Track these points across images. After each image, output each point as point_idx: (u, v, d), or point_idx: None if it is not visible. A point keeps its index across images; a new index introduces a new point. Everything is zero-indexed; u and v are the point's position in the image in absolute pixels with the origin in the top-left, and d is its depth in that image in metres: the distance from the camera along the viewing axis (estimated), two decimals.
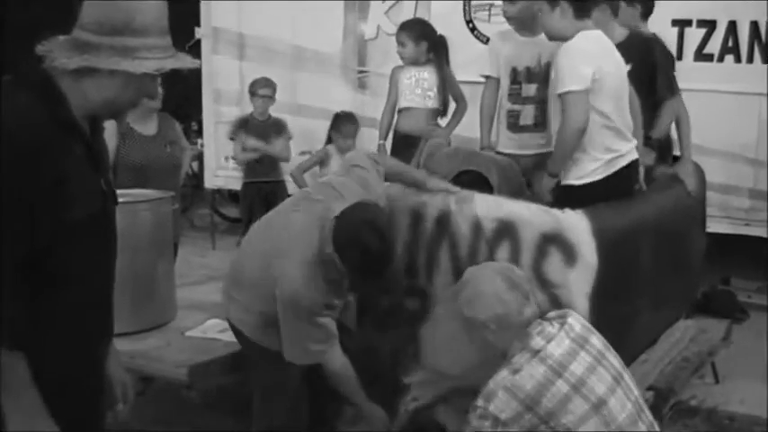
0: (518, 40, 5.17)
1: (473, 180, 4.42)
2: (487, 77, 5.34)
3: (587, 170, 4.33)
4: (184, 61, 2.50)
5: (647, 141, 4.76)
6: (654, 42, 5.08)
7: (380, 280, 3.60)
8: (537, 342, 3.08)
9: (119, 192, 4.42)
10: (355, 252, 3.39)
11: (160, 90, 5.46)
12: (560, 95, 4.23)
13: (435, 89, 6.27)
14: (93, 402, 2.65)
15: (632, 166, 4.42)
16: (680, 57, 6.65)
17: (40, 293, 2.35)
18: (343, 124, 7.01)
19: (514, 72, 5.16)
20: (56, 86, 2.36)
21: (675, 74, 5.21)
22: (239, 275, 3.76)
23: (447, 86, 6.31)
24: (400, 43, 6.26)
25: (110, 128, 5.54)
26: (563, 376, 3.00)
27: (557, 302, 3.56)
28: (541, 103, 4.98)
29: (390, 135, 6.46)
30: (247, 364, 3.88)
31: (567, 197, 4.27)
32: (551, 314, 3.26)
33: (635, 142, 4.49)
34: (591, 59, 4.24)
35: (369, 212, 3.49)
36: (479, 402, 3.04)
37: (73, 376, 2.49)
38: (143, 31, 2.40)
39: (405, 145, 6.12)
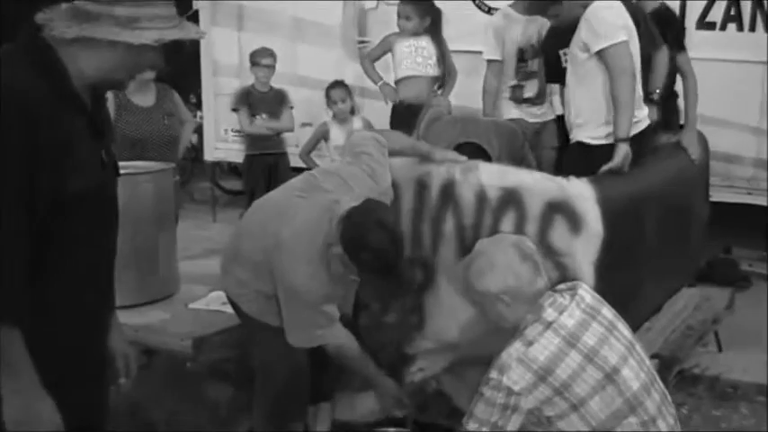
0: (522, 19, 5.21)
1: (473, 151, 4.40)
2: (491, 61, 5.33)
3: (605, 132, 4.35)
4: (188, 31, 2.45)
5: (648, 98, 4.73)
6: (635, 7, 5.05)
7: (390, 276, 3.55)
8: (549, 314, 3.08)
9: (120, 164, 4.46)
10: (365, 254, 3.34)
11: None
12: (603, 50, 4.28)
13: (435, 58, 6.26)
14: (95, 376, 2.64)
15: (645, 132, 4.43)
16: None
17: (40, 266, 2.33)
18: (332, 90, 6.96)
19: (521, 51, 5.21)
20: (55, 56, 2.33)
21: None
22: (238, 252, 3.71)
23: (446, 56, 6.30)
24: (405, 17, 6.23)
25: (108, 98, 5.53)
26: (576, 347, 3.01)
27: (562, 271, 3.55)
28: (542, 76, 5.23)
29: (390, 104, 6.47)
30: (248, 338, 3.86)
31: (580, 155, 4.30)
32: (561, 286, 3.26)
33: (647, 110, 4.51)
34: (622, 17, 4.37)
35: (377, 213, 3.44)
36: (493, 374, 3.04)
37: (74, 349, 2.48)
38: (145, 0, 2.36)
39: (407, 114, 6.09)
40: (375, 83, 6.65)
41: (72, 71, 2.34)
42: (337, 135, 6.82)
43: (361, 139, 3.91)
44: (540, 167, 4.93)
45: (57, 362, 2.39)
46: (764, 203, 7.01)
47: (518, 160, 4.56)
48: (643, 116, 4.50)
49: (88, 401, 2.61)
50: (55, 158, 2.26)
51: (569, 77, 4.61)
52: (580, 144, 4.52)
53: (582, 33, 4.40)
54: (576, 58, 4.49)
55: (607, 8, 4.38)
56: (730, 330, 5.69)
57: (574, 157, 4.56)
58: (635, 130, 4.35)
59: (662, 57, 4.98)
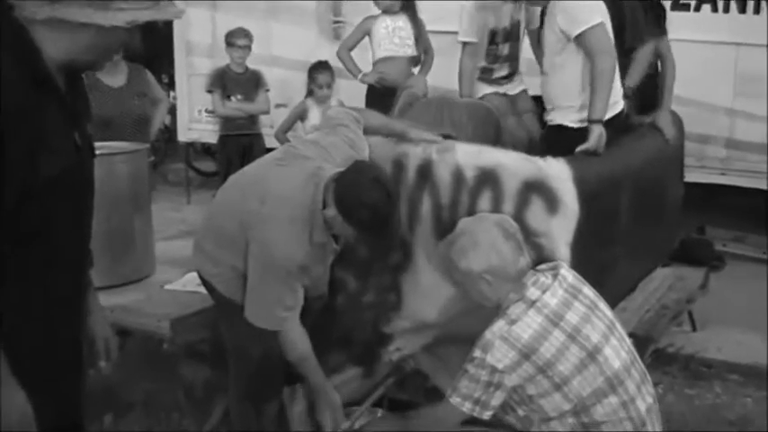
0: (496, 2, 5.19)
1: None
2: (465, 43, 5.33)
3: (579, 117, 4.38)
4: (165, 12, 2.37)
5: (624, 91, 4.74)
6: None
7: (385, 233, 3.49)
8: (532, 292, 3.11)
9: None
10: (364, 212, 3.26)
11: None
12: (581, 35, 4.30)
13: (412, 38, 6.26)
14: (71, 360, 2.60)
15: (620, 115, 4.45)
16: None
17: (13, 251, 2.27)
18: (319, 73, 6.90)
19: (492, 34, 5.20)
20: (28, 37, 2.25)
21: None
22: (213, 229, 3.64)
23: (423, 35, 6.30)
24: None
25: None
26: (559, 326, 3.04)
27: (539, 251, 3.55)
28: (512, 60, 5.28)
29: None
30: (220, 319, 3.78)
31: (557, 138, 4.31)
32: (543, 266, 3.29)
33: (622, 91, 4.55)
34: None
35: (372, 170, 3.41)
36: (476, 353, 3.07)
37: (49, 336, 2.44)
38: None
39: (383, 95, 6.09)
40: (355, 76, 6.62)
41: (44, 52, 2.27)
42: (315, 115, 6.79)
43: (337, 114, 3.89)
44: (525, 133, 4.97)
45: (30, 350, 2.35)
46: (738, 184, 7.06)
47: (493, 141, 4.57)
48: (619, 98, 4.51)
49: (65, 389, 2.56)
50: (25, 141, 2.20)
51: (544, 62, 4.61)
52: (558, 126, 4.53)
53: (558, 20, 4.40)
54: (551, 45, 4.50)
55: None
56: (705, 310, 5.76)
57: (551, 141, 4.56)
58: (611, 112, 4.35)
59: (645, 53, 5.01)
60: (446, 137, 3.97)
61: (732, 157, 7.09)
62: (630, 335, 4.26)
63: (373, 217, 3.28)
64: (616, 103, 4.44)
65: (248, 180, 3.63)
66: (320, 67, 6.94)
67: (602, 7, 4.41)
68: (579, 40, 4.33)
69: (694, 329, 5.74)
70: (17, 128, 2.17)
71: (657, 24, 5.19)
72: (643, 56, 5.01)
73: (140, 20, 2.30)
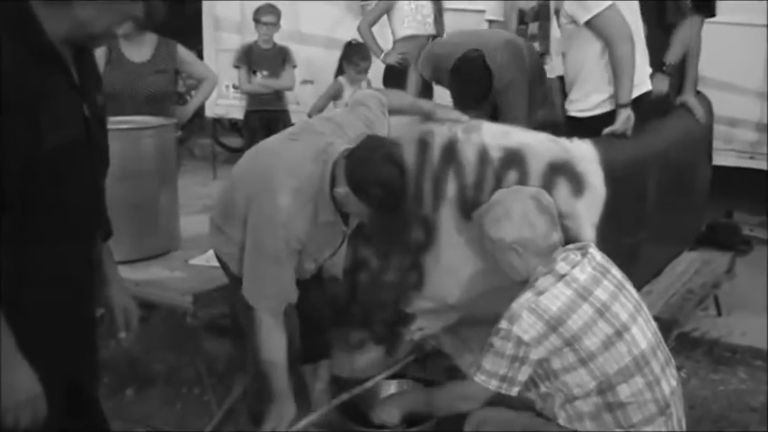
0: None
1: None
2: (492, 21, 5.29)
3: (595, 102, 4.30)
4: None
5: (662, 68, 4.68)
6: None
7: (398, 211, 3.40)
8: (562, 266, 3.11)
9: (120, 119, 4.44)
10: (376, 189, 3.19)
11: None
12: (592, 20, 4.17)
13: (432, 16, 6.24)
14: (84, 336, 2.61)
15: (643, 98, 4.37)
16: None
17: (24, 220, 2.28)
18: (361, 59, 6.84)
19: (521, 13, 5.16)
20: (29, 12, 2.24)
21: None
22: (225, 203, 3.57)
23: (442, 14, 6.29)
24: None
25: (98, 52, 5.45)
26: (588, 300, 3.03)
27: (565, 232, 3.51)
28: (543, 39, 5.26)
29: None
30: (234, 299, 3.67)
31: (573, 130, 4.25)
32: (571, 246, 3.27)
33: (649, 71, 4.46)
34: None
35: (384, 146, 3.34)
36: (503, 324, 3.05)
37: (61, 309, 2.44)
38: None
39: (400, 73, 6.09)
40: (377, 55, 6.60)
41: (46, 25, 2.26)
42: (349, 95, 6.77)
43: (362, 95, 3.86)
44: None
45: (40, 323, 2.36)
46: (766, 168, 7.00)
47: (534, 76, 4.65)
48: (644, 79, 4.43)
49: (78, 362, 2.57)
50: (30, 115, 2.20)
51: (564, 42, 4.56)
52: (571, 119, 4.48)
53: (566, 5, 4.32)
54: (564, 29, 4.43)
55: None
56: (730, 295, 5.72)
57: (568, 133, 4.50)
58: (636, 93, 4.26)
59: (685, 29, 4.88)
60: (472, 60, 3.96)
61: (761, 140, 7.03)
62: (655, 318, 4.23)
63: (386, 194, 3.22)
64: (639, 85, 4.35)
65: (261, 153, 3.57)
66: (361, 50, 6.87)
67: None
68: (590, 25, 4.21)
69: (719, 314, 5.69)
70: (21, 100, 2.17)
71: (707, 9, 5.09)
72: (684, 32, 4.88)
73: None
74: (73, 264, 2.47)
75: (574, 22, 4.27)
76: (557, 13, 5.11)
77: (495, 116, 4.64)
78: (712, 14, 5.20)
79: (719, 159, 6.26)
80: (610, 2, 4.15)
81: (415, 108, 3.98)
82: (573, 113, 4.43)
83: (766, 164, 7.00)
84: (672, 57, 4.80)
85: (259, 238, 3.28)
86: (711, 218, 5.97)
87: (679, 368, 4.82)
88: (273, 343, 3.34)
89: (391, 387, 3.91)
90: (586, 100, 4.35)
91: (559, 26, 4.68)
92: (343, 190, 3.24)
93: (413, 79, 5.20)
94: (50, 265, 2.37)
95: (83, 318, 2.59)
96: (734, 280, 5.61)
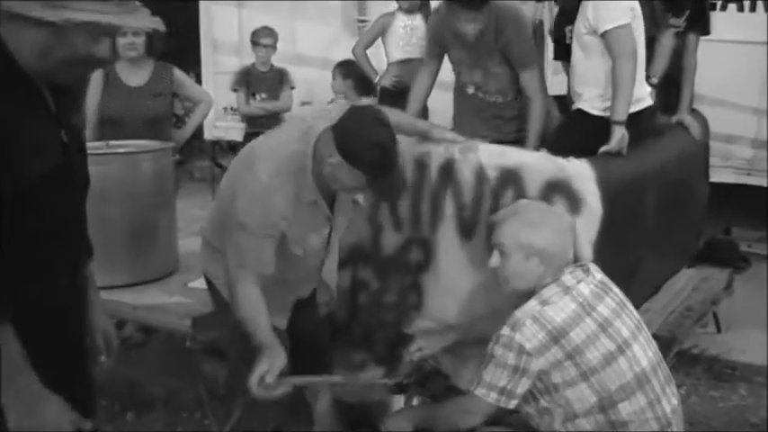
0: (516, 3, 5.19)
1: None
2: None
3: (604, 105, 4.37)
4: (140, 20, 2.30)
5: (647, 79, 4.69)
6: None
7: (393, 176, 3.27)
8: (568, 279, 3.13)
9: (118, 143, 4.46)
10: (373, 152, 3.09)
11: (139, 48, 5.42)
12: (607, 32, 4.25)
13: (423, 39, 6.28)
14: (75, 358, 2.59)
15: (645, 112, 4.41)
16: None
17: (4, 254, 2.22)
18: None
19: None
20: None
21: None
22: (217, 214, 3.51)
23: None
24: None
25: (96, 77, 5.49)
26: (591, 315, 3.05)
27: None
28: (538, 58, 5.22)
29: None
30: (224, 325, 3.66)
31: (579, 123, 4.30)
32: (571, 265, 3.28)
33: (649, 89, 4.51)
34: None
35: (371, 112, 3.29)
36: (504, 331, 3.05)
37: (49, 333, 2.41)
38: None
39: (393, 95, 6.11)
40: (372, 78, 6.63)
41: (17, 55, 2.20)
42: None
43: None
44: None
45: (31, 352, 2.29)
46: (764, 184, 7.01)
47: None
48: (644, 95, 4.48)
49: (71, 389, 2.53)
50: (4, 146, 2.15)
51: (574, 51, 4.59)
52: (580, 112, 4.50)
53: (588, 13, 4.38)
54: (580, 35, 4.48)
55: None
56: (730, 311, 5.71)
57: (573, 125, 4.55)
58: (635, 108, 4.32)
59: (666, 41, 4.94)
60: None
61: (758, 157, 7.04)
62: (654, 336, 4.24)
63: (383, 156, 3.12)
64: (640, 100, 4.40)
65: (244, 149, 3.53)
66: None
67: (635, 7, 4.38)
68: (604, 36, 4.31)
69: (719, 331, 5.70)
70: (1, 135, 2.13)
71: (701, 28, 5.13)
72: (664, 45, 4.93)
73: (102, 22, 2.21)
74: (59, 292, 2.44)
75: (593, 31, 4.34)
76: (554, 32, 5.17)
77: None
78: (707, 32, 5.22)
79: (717, 176, 6.30)
80: (627, 21, 4.25)
81: (412, 126, 3.96)
82: (585, 108, 4.47)
83: (764, 180, 7.00)
84: (655, 69, 4.84)
85: (241, 214, 3.22)
86: (710, 234, 5.98)
87: (679, 385, 4.82)
88: (252, 299, 3.22)
89: (399, 402, 3.91)
90: (600, 100, 4.40)
91: (563, 40, 4.72)
92: (335, 160, 3.13)
93: (416, 96, 5.20)
94: (36, 294, 2.35)
95: (72, 345, 2.56)
96: (733, 296, 5.60)
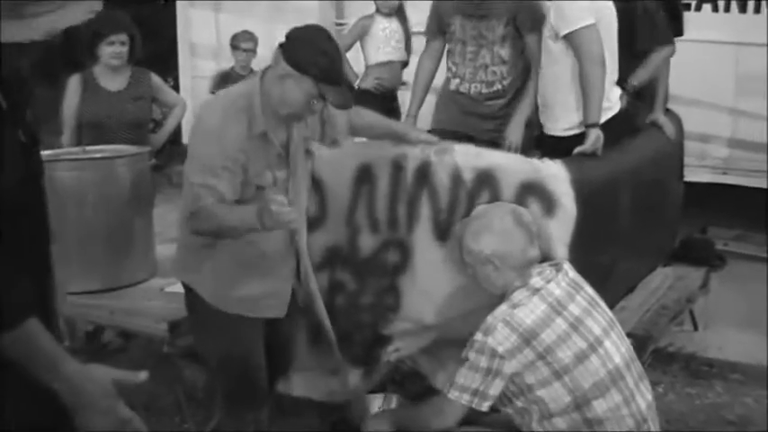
0: None
1: None
2: None
3: (575, 121, 4.36)
4: (78, 10, 2.12)
5: (623, 86, 4.72)
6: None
7: (342, 88, 3.27)
8: (537, 281, 3.17)
9: (94, 148, 4.46)
10: (322, 60, 3.15)
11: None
12: (570, 35, 4.28)
13: (404, 41, 6.29)
14: None
15: (617, 117, 4.45)
16: None
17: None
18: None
19: None
20: None
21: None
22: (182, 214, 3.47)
23: (410, 39, 6.33)
24: None
25: (73, 81, 5.50)
26: (562, 314, 3.09)
27: None
28: None
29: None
30: (200, 332, 3.67)
31: (552, 148, 4.30)
32: (545, 263, 3.32)
33: (619, 92, 4.55)
34: None
35: (319, 29, 3.36)
36: (477, 336, 3.10)
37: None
38: None
39: (374, 97, 6.12)
40: (351, 81, 6.62)
41: None
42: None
43: None
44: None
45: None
46: (741, 183, 7.07)
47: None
48: (615, 100, 4.51)
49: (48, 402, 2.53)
50: None
51: (542, 65, 4.62)
52: (551, 137, 4.55)
53: (551, 17, 4.41)
54: (546, 44, 4.50)
55: None
56: (706, 309, 5.75)
57: (545, 149, 4.55)
58: (606, 116, 4.36)
59: (659, 57, 4.94)
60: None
61: (734, 156, 7.10)
62: (630, 334, 4.28)
63: (330, 61, 3.18)
64: (610, 108, 4.43)
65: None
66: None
67: (602, 8, 4.39)
68: (568, 39, 4.32)
69: (696, 329, 5.73)
70: None
71: (675, 28, 5.15)
72: (656, 60, 4.94)
73: (59, 27, 2.08)
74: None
75: (556, 35, 4.37)
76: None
77: None
78: (680, 33, 5.26)
79: (693, 175, 6.34)
80: (591, 21, 4.25)
81: (387, 128, 3.99)
82: (554, 133, 4.53)
83: (739, 179, 7.05)
84: (637, 79, 4.82)
85: (195, 152, 3.28)
86: (687, 233, 6.03)
87: (656, 384, 4.89)
88: (215, 207, 3.19)
89: (377, 401, 3.93)
90: (567, 118, 4.44)
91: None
92: (283, 72, 3.19)
93: (421, 83, 5.24)
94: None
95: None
96: (709, 294, 5.65)
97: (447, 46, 5.17)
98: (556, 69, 4.44)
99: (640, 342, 4.38)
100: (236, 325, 3.46)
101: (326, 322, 3.84)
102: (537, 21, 4.80)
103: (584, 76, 4.25)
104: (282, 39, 3.27)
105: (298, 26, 3.31)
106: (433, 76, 5.30)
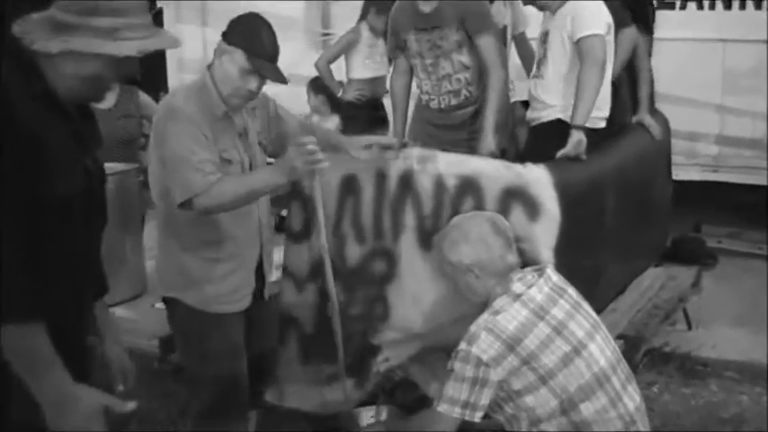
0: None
1: None
2: None
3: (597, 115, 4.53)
4: (165, 40, 2.45)
5: None
6: None
7: (275, 64, 3.42)
8: (518, 287, 3.18)
9: None
10: (246, 31, 3.34)
11: None
12: (581, 39, 4.41)
13: (386, 56, 6.33)
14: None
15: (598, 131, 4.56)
16: None
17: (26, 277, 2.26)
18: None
19: None
20: (36, 66, 2.30)
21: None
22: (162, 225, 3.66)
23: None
24: (377, 11, 6.27)
25: None
26: (544, 319, 3.09)
27: (522, 256, 3.55)
28: None
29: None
30: (186, 340, 3.70)
31: (558, 132, 4.41)
32: (528, 268, 3.33)
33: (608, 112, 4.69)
34: (605, 12, 4.53)
35: (252, 13, 3.45)
36: (462, 346, 3.11)
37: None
38: (124, 10, 2.33)
39: (358, 108, 6.15)
40: (335, 91, 6.66)
41: (55, 82, 2.31)
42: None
43: None
44: (514, 147, 4.98)
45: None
46: (731, 180, 7.07)
47: None
48: (601, 116, 4.61)
49: None
50: (34, 163, 2.22)
51: (550, 62, 4.64)
52: (559, 121, 4.58)
53: (567, 22, 4.51)
54: (556, 47, 4.56)
55: (593, 4, 4.52)
56: (700, 308, 5.78)
57: (548, 133, 4.62)
58: (592, 125, 4.44)
59: (625, 38, 4.96)
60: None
61: (723, 153, 7.10)
62: (621, 336, 4.33)
63: (259, 39, 3.34)
64: (602, 119, 4.52)
65: None
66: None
67: (610, 21, 4.54)
68: (578, 43, 4.44)
69: (690, 328, 5.74)
70: (30, 148, 2.21)
71: (640, 16, 5.18)
72: (623, 42, 4.93)
73: (149, 48, 2.36)
74: (70, 314, 2.48)
75: (569, 39, 4.50)
76: (517, 36, 5.22)
77: None
78: (650, 32, 5.28)
79: (684, 174, 6.37)
80: (602, 32, 4.42)
81: (334, 139, 3.91)
82: (564, 117, 4.55)
83: (730, 176, 7.05)
84: (613, 68, 4.81)
85: (168, 144, 3.32)
86: (680, 232, 6.03)
87: (651, 384, 4.91)
88: (222, 182, 3.29)
89: (369, 413, 3.92)
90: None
91: (543, 43, 4.74)
92: (219, 48, 3.39)
93: (398, 97, 5.26)
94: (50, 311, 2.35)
95: (73, 363, 2.58)
96: (704, 292, 5.66)
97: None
98: (572, 72, 4.55)
99: (632, 343, 4.39)
100: (218, 324, 3.53)
101: (337, 327, 3.85)
102: (484, 22, 4.91)
103: (583, 78, 4.36)
104: None
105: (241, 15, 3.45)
106: (408, 91, 5.34)
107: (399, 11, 5.15)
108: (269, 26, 3.40)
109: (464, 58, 4.95)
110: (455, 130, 5.06)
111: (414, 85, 5.30)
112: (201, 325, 3.55)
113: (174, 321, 3.69)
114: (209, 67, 3.46)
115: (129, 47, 2.31)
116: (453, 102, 5.03)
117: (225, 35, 3.38)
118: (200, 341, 3.56)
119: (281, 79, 3.43)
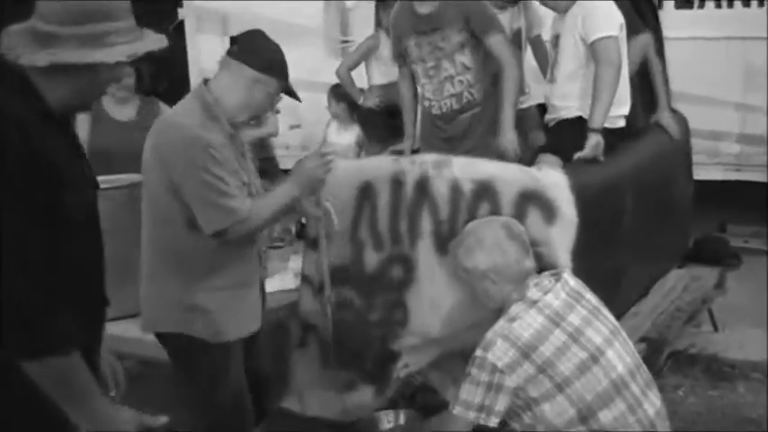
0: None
1: None
2: None
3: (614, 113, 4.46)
4: (153, 42, 2.36)
5: None
6: None
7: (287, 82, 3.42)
8: (534, 293, 3.17)
9: (101, 178, 4.44)
10: (276, 57, 3.34)
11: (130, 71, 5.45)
12: (595, 41, 4.36)
13: None
14: None
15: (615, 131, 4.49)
16: (660, 5, 6.62)
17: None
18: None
19: None
20: (29, 80, 2.23)
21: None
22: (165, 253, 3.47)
23: None
24: None
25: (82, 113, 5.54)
26: (560, 326, 3.07)
27: (539, 259, 3.54)
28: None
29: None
30: (189, 368, 3.52)
31: (579, 128, 4.36)
32: (545, 272, 3.31)
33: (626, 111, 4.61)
34: (617, 14, 4.48)
35: (255, 30, 3.42)
36: (478, 352, 3.11)
37: None
38: (109, 15, 2.25)
39: (376, 114, 6.15)
40: (356, 99, 6.65)
41: (47, 94, 2.24)
42: (334, 134, 6.93)
43: None
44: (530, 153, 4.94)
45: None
46: (754, 179, 7.00)
47: None
48: (621, 114, 4.54)
49: None
50: (56, 179, 2.18)
51: (562, 65, 4.62)
52: (579, 119, 4.52)
53: (578, 23, 4.46)
54: (569, 49, 4.52)
55: (605, 4, 4.47)
56: (726, 309, 5.70)
57: (569, 130, 4.55)
58: (610, 125, 4.39)
59: (636, 44, 4.91)
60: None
61: (746, 152, 7.04)
62: (644, 338, 4.29)
63: (286, 62, 3.36)
64: (622, 117, 4.47)
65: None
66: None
67: (623, 23, 4.49)
68: (592, 45, 4.39)
69: (715, 330, 5.66)
70: (48, 169, 2.16)
71: (652, 18, 5.15)
72: (634, 47, 4.87)
73: (139, 51, 2.29)
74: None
75: (583, 40, 4.44)
76: (533, 39, 5.20)
77: None
78: (657, 30, 5.24)
79: (707, 174, 6.32)
80: (616, 33, 4.38)
81: None
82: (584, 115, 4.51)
83: (752, 175, 6.99)
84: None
85: (192, 173, 3.19)
86: (704, 233, 5.98)
87: (677, 387, 4.86)
88: (257, 202, 3.29)
89: (389, 417, 3.91)
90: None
91: (555, 47, 4.72)
92: (250, 76, 3.27)
93: (406, 106, 5.25)
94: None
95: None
96: (729, 293, 5.59)
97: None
98: (587, 75, 4.50)
99: (655, 346, 4.36)
100: (230, 352, 3.41)
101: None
102: (491, 21, 4.86)
103: (599, 80, 4.32)
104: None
105: (240, 33, 3.41)
106: (415, 95, 5.30)
107: (398, 15, 5.12)
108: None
109: (466, 59, 4.91)
110: (460, 140, 5.00)
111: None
112: (213, 356, 3.39)
113: (180, 356, 3.51)
114: (207, 82, 3.35)
115: (120, 52, 2.24)
116: (455, 106, 4.99)
117: (254, 62, 3.26)
118: (214, 372, 3.41)
119: (297, 97, 3.53)
